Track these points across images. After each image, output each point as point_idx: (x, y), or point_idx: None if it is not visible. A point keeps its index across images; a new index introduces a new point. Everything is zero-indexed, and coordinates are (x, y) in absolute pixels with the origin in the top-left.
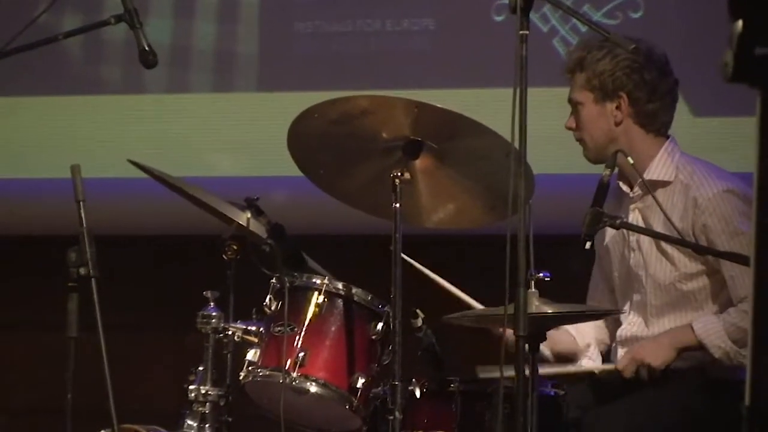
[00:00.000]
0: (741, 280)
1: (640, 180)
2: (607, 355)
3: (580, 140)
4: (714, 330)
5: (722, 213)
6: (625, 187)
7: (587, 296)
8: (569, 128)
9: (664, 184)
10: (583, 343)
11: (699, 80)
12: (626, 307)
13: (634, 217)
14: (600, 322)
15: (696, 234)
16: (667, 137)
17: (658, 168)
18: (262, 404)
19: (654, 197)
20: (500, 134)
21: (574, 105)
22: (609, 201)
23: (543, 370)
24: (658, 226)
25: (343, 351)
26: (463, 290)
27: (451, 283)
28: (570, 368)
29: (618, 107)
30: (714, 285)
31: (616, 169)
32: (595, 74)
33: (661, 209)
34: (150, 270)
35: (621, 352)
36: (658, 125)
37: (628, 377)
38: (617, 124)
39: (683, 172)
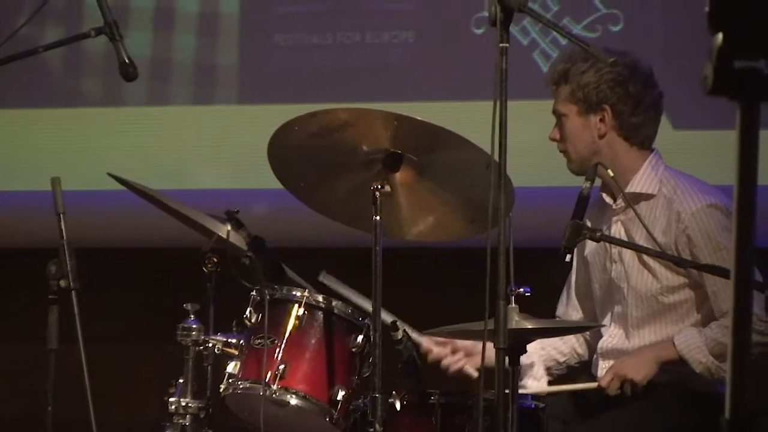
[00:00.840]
0: (723, 294)
1: (623, 192)
2: (587, 366)
3: (564, 152)
4: (695, 345)
5: (705, 228)
6: (608, 199)
7: (556, 312)
8: (553, 139)
9: (647, 197)
10: (526, 361)
11: (679, 93)
12: (607, 320)
13: (617, 229)
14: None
15: (679, 248)
16: (652, 150)
17: (642, 181)
18: (242, 416)
19: (635, 211)
20: (480, 147)
21: (558, 117)
22: (592, 211)
23: (523, 389)
24: (641, 239)
25: (324, 363)
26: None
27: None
28: (549, 388)
29: (602, 120)
30: (696, 298)
31: (599, 181)
32: (579, 86)
33: (642, 223)
34: (130, 282)
35: (602, 364)
36: (641, 138)
37: (613, 394)
38: (601, 136)
39: (666, 185)
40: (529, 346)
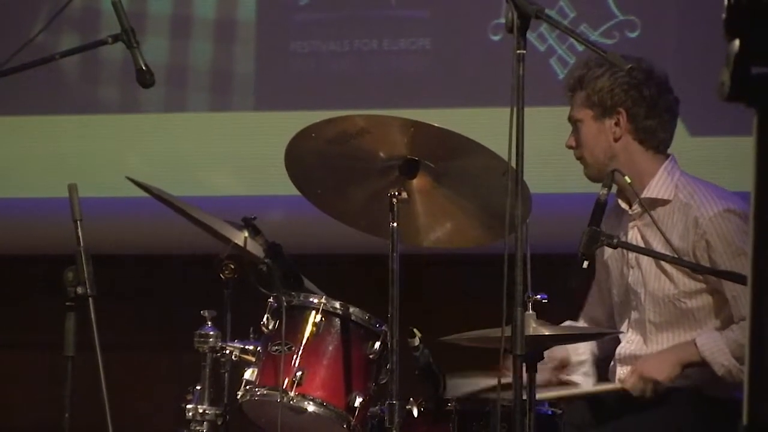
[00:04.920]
0: (743, 299)
1: (639, 197)
2: (603, 372)
3: (581, 158)
4: (717, 347)
5: (724, 233)
6: (624, 205)
7: (583, 311)
8: (569, 147)
9: (663, 202)
10: (577, 358)
11: (695, 99)
12: (624, 326)
13: (633, 235)
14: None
15: (697, 254)
16: (668, 156)
17: (658, 186)
18: (259, 423)
19: (651, 216)
20: (497, 153)
21: (574, 123)
22: (609, 218)
23: (543, 394)
24: (657, 244)
25: (341, 370)
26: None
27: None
28: (572, 391)
29: (617, 123)
30: (715, 304)
31: (615, 187)
32: (594, 91)
33: (659, 229)
34: (147, 289)
35: (620, 370)
36: (656, 142)
37: (637, 395)
38: (616, 139)
39: (683, 191)
40: (583, 345)
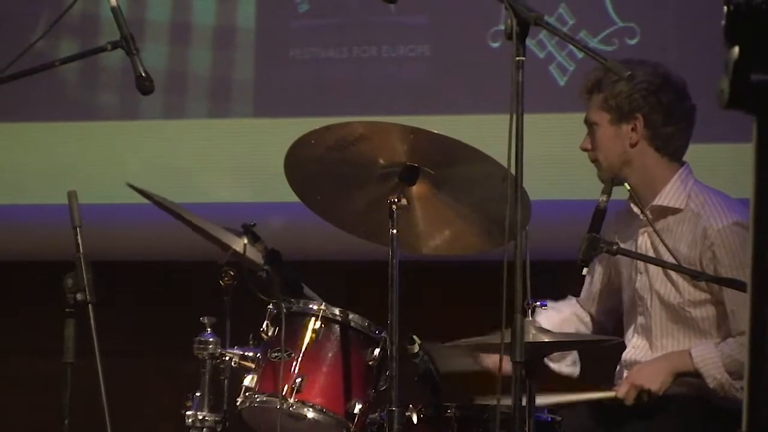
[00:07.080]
0: (741, 313)
1: (651, 204)
2: (611, 378)
3: (595, 161)
4: (711, 360)
5: (730, 246)
6: (636, 210)
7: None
8: (584, 149)
9: (674, 211)
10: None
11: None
12: (630, 331)
13: (643, 241)
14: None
15: (703, 263)
16: (682, 164)
17: (670, 194)
18: (259, 430)
19: (653, 227)
20: (496, 160)
21: (590, 125)
22: (621, 222)
23: (541, 400)
24: (665, 251)
25: (340, 377)
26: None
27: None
28: (569, 397)
29: (633, 129)
30: (718, 315)
31: (625, 194)
32: (612, 95)
33: (661, 240)
34: (146, 296)
35: (626, 375)
36: (672, 149)
37: (630, 404)
38: (632, 145)
39: (695, 200)
40: (564, 328)
